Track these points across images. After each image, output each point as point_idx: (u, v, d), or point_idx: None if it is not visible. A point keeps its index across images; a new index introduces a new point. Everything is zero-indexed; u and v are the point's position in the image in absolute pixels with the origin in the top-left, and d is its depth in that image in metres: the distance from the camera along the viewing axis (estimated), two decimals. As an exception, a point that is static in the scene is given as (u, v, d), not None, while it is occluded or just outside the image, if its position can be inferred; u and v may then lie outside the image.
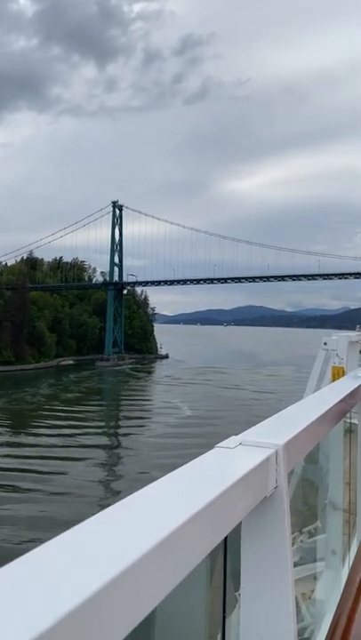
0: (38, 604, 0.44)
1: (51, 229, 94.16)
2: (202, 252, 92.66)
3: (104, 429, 37.96)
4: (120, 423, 41.46)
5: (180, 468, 0.91)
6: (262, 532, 1.11)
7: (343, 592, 1.36)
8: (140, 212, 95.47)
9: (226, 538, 1.04)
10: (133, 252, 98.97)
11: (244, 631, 1.12)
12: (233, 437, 1.14)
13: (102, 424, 40.02)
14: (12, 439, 34.27)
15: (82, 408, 45.39)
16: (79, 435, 35.01)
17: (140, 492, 0.78)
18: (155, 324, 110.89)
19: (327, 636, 1.13)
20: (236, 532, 1.08)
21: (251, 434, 1.18)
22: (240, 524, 1.07)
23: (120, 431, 37.89)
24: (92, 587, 0.47)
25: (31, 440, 33.50)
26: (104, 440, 34.57)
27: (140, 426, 39.98)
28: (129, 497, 0.74)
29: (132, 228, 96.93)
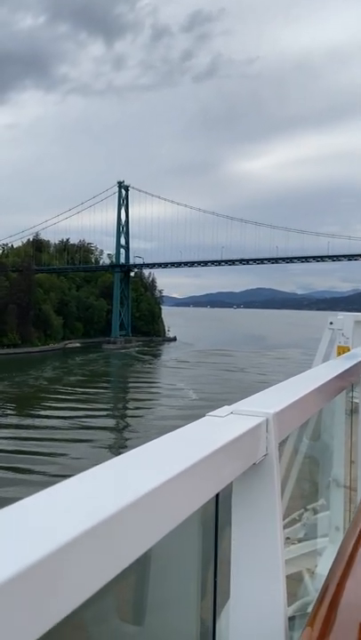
0: (9, 550, 0.46)
1: (58, 211, 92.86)
2: (210, 233, 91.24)
3: (106, 412, 37.57)
4: (123, 406, 40.98)
5: (168, 434, 0.93)
6: (253, 497, 1.13)
7: (335, 560, 1.34)
8: (146, 193, 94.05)
9: (217, 505, 1.08)
10: (142, 234, 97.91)
11: (235, 595, 1.15)
12: (225, 407, 1.17)
13: (104, 407, 39.63)
14: (10, 421, 34.04)
15: (84, 391, 45.08)
16: (81, 417, 34.71)
17: (127, 452, 0.80)
18: (164, 307, 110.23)
19: (316, 601, 1.14)
20: (228, 503, 1.13)
21: (242, 404, 1.21)
22: (231, 489, 1.12)
23: (122, 414, 37.54)
24: (70, 534, 0.50)
25: (29, 423, 33.31)
26: (105, 423, 34.23)
27: (143, 409, 39.57)
28: (112, 459, 0.77)
29: (140, 210, 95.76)
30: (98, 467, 0.72)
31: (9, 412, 36.72)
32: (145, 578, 1.35)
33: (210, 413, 1.13)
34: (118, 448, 27.28)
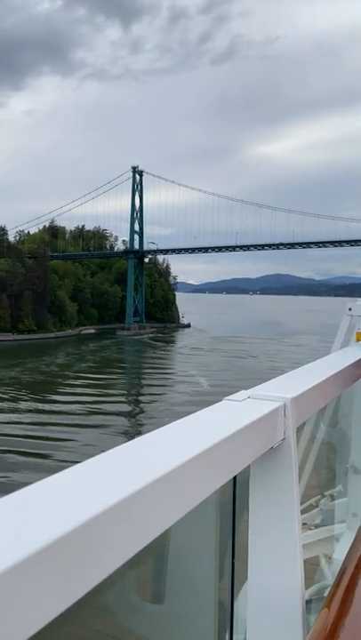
0: (34, 527, 0.48)
1: (75, 198, 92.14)
2: (225, 218, 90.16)
3: (115, 399, 37.34)
4: (132, 393, 40.76)
5: (186, 417, 0.94)
6: (270, 481, 1.14)
7: (352, 545, 1.36)
8: (160, 178, 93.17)
9: (235, 489, 1.12)
10: (157, 220, 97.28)
11: (252, 577, 1.16)
12: (242, 391, 1.17)
13: (114, 394, 39.46)
14: (19, 407, 34.26)
15: (95, 377, 45.12)
16: (89, 404, 34.76)
17: (146, 435, 0.82)
18: (179, 293, 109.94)
19: (334, 584, 1.14)
20: (246, 487, 1.14)
21: (260, 388, 1.22)
22: (248, 474, 1.13)
23: (131, 401, 37.25)
24: (88, 513, 0.51)
25: (39, 408, 33.56)
26: (113, 409, 34.02)
27: (153, 396, 39.40)
28: (132, 440, 0.78)
29: (155, 196, 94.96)
30: (118, 447, 0.73)
31: (19, 398, 36.91)
32: (164, 558, 1.37)
33: (227, 397, 1.13)
34: (125, 435, 27.25)
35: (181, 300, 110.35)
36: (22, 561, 0.42)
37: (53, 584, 0.46)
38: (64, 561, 0.47)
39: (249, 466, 1.07)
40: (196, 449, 0.75)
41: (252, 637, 1.16)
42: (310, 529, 2.89)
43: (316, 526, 2.90)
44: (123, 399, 37.73)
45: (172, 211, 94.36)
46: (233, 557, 1.23)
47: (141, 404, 36.51)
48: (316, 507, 2.95)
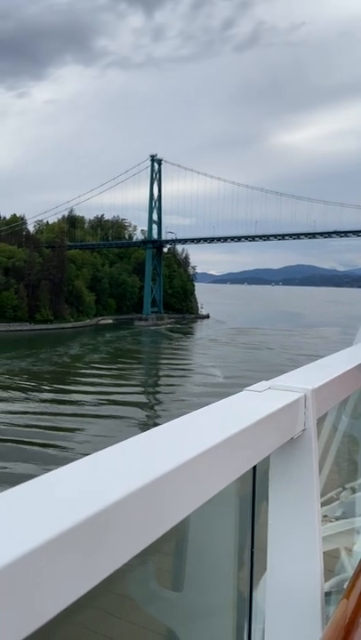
0: (58, 510, 0.50)
1: (95, 187, 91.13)
2: (246, 208, 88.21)
3: (123, 391, 36.26)
4: (142, 386, 39.58)
5: (207, 406, 0.96)
6: (290, 471, 1.15)
7: None
8: (179, 166, 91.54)
9: (254, 479, 1.13)
10: (177, 209, 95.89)
11: (271, 568, 1.17)
12: (263, 382, 1.18)
13: (123, 386, 38.38)
14: (24, 397, 33.74)
15: (107, 368, 44.35)
16: (97, 395, 34.04)
17: (168, 423, 0.83)
18: (200, 284, 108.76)
19: (353, 575, 1.17)
20: (265, 477, 1.16)
21: (281, 379, 1.22)
22: (268, 466, 1.15)
23: (140, 394, 36.06)
24: (113, 496, 0.53)
25: (45, 398, 33.04)
26: (121, 401, 33.05)
27: (163, 388, 38.47)
28: (153, 428, 0.79)
29: (175, 185, 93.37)
30: (140, 435, 0.75)
31: (26, 389, 36.36)
32: (184, 547, 1.39)
33: (248, 388, 1.14)
34: (134, 426, 26.44)
35: (202, 290, 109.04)
36: (47, 542, 0.44)
37: (76, 566, 0.48)
38: (87, 544, 0.49)
39: (269, 456, 1.08)
40: (216, 437, 0.76)
41: (271, 627, 1.17)
42: (331, 521, 2.82)
43: (337, 519, 2.80)
44: (133, 391, 36.72)
45: (192, 200, 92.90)
46: (252, 547, 1.24)
47: (152, 396, 35.56)
48: (337, 499, 2.87)
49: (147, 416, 29.87)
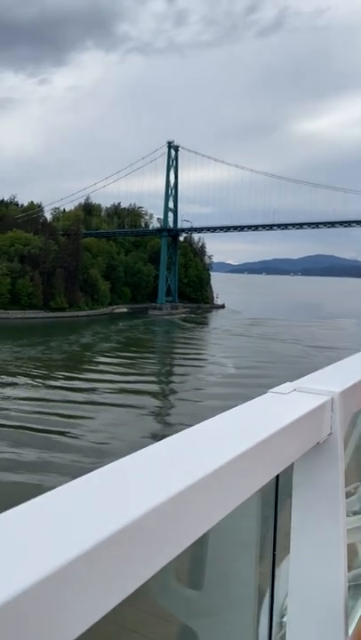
0: (84, 524, 0.49)
1: (116, 176, 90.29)
2: (263, 196, 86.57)
3: (128, 383, 35.35)
4: (151, 377, 38.62)
5: (231, 410, 0.93)
6: (315, 476, 1.12)
7: None
8: (196, 153, 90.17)
9: (278, 481, 1.08)
10: (195, 198, 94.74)
11: (294, 574, 1.16)
12: (287, 383, 1.15)
13: (129, 377, 37.42)
14: (27, 384, 33.50)
15: (116, 358, 43.83)
16: (98, 388, 33.17)
17: (190, 428, 0.81)
18: (217, 273, 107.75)
19: None
20: (289, 477, 1.13)
21: (306, 380, 1.18)
22: (292, 469, 1.12)
23: (145, 387, 34.92)
24: (138, 511, 0.51)
25: (48, 386, 32.76)
26: (122, 395, 32.07)
27: (172, 380, 37.73)
28: (178, 433, 0.77)
29: (193, 173, 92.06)
30: (160, 443, 0.72)
31: (34, 376, 36.06)
32: (204, 545, 1.38)
33: (272, 390, 1.11)
34: (139, 416, 26.02)
35: (219, 280, 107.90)
36: (75, 558, 0.43)
37: (104, 581, 0.47)
38: (115, 559, 0.48)
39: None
40: (242, 445, 0.74)
41: (293, 626, 1.16)
42: (348, 516, 2.45)
43: (355, 513, 2.67)
44: (143, 380, 36.14)
45: (210, 188, 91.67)
46: (274, 549, 1.21)
47: (161, 386, 34.86)
48: (355, 493, 2.72)
49: (155, 406, 29.34)
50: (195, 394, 31.71)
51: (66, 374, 36.48)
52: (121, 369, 39.40)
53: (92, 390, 32.08)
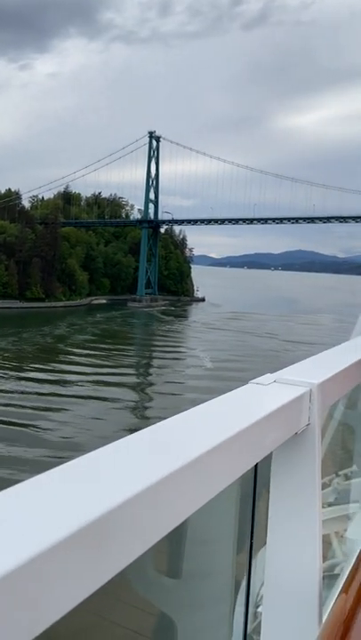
0: (63, 512, 0.49)
1: (97, 165, 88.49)
2: (244, 190, 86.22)
3: (98, 377, 34.04)
4: (122, 371, 37.20)
5: (212, 400, 0.94)
6: (293, 466, 1.14)
7: None
8: (177, 144, 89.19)
9: (256, 470, 1.12)
10: (177, 190, 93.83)
11: (270, 562, 1.17)
12: (268, 375, 1.17)
13: (99, 371, 35.99)
14: None
15: (88, 350, 42.66)
16: (70, 381, 32.33)
17: (171, 418, 0.81)
18: (199, 266, 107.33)
19: (351, 569, 1.21)
20: (268, 467, 1.15)
21: (286, 372, 1.21)
22: (271, 458, 1.14)
23: (116, 380, 33.56)
24: (117, 498, 0.51)
25: (13, 380, 31.79)
26: (91, 389, 30.84)
27: (145, 374, 36.80)
28: (158, 423, 0.77)
29: (174, 165, 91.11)
30: (141, 432, 0.72)
31: (3, 367, 34.92)
32: (182, 534, 1.38)
33: (253, 381, 1.13)
34: (105, 416, 25.00)
35: (201, 273, 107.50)
36: (53, 546, 0.43)
37: (82, 569, 0.47)
38: (92, 547, 0.48)
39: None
40: (223, 434, 0.75)
41: (268, 615, 1.18)
42: (323, 507, 2.70)
43: (330, 504, 2.81)
44: (114, 374, 34.90)
45: (191, 180, 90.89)
46: (252, 538, 1.24)
47: (132, 381, 33.56)
48: (329, 485, 2.87)
49: (128, 400, 28.62)
50: (169, 387, 31.33)
51: (36, 366, 35.57)
52: (94, 361, 38.52)
53: (64, 383, 31.36)
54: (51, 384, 30.95)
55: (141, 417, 25.61)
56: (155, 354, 45.44)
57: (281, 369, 1.23)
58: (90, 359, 39.00)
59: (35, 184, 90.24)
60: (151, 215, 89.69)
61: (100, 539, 0.49)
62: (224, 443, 0.74)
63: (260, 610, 1.28)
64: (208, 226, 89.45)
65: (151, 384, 33.25)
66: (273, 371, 1.21)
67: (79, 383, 31.47)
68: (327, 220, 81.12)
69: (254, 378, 1.13)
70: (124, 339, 52.47)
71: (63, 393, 29.01)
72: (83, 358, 39.11)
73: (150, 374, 36.76)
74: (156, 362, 41.43)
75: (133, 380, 34.63)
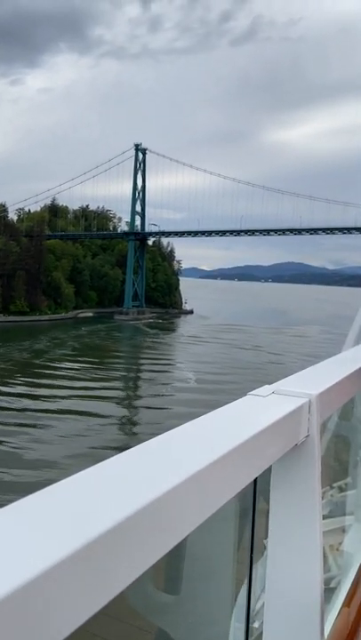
0: (66, 528, 0.48)
1: (83, 177, 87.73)
2: (232, 202, 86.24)
3: (70, 394, 32.13)
4: (96, 388, 34.87)
5: (211, 412, 0.93)
6: (292, 478, 1.13)
7: None
8: (164, 157, 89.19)
9: (255, 483, 1.10)
10: (165, 203, 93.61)
11: (271, 576, 1.16)
12: (266, 386, 1.16)
13: (73, 386, 34.14)
14: None
15: (65, 366, 40.89)
16: (42, 396, 31.11)
17: (169, 432, 0.80)
18: (190, 279, 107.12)
19: (353, 583, 1.21)
20: (266, 479, 1.13)
21: (284, 383, 1.20)
22: (270, 471, 1.13)
23: (89, 398, 31.54)
24: (116, 517, 0.50)
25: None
26: (61, 405, 29.11)
27: (120, 391, 34.48)
28: (157, 437, 0.76)
29: (170, 179, 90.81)
30: (139, 447, 0.71)
31: None
32: (181, 551, 1.36)
33: (251, 392, 1.11)
34: (62, 438, 23.13)
35: (191, 285, 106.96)
36: (57, 564, 0.42)
37: (83, 589, 0.46)
38: (94, 566, 0.47)
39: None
40: (222, 448, 0.74)
41: (269, 630, 1.15)
42: None
43: (325, 517, 2.75)
44: (85, 390, 33.20)
45: (182, 193, 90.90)
46: (252, 552, 1.22)
47: (104, 397, 31.58)
48: (324, 498, 2.79)
49: (99, 415, 27.13)
50: (148, 401, 30.25)
51: (9, 381, 34.21)
52: (70, 376, 37.14)
53: (35, 397, 30.21)
54: (23, 398, 29.79)
55: (117, 433, 24.58)
56: (134, 367, 44.19)
57: (265, 382, 1.21)
58: (65, 373, 37.69)
59: (23, 198, 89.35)
60: (138, 227, 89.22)
61: (102, 557, 0.48)
62: (224, 457, 0.73)
63: (256, 625, 1.25)
64: (198, 238, 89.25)
65: (128, 398, 32.06)
66: (256, 384, 1.19)
67: (51, 399, 30.21)
68: (314, 231, 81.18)
69: (236, 392, 1.11)
70: (105, 353, 50.77)
71: (33, 408, 27.93)
72: (57, 372, 37.79)
73: (129, 388, 35.50)
74: (135, 376, 40.16)
75: (109, 394, 33.20)
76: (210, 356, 48.36)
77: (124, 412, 29.09)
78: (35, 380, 34.73)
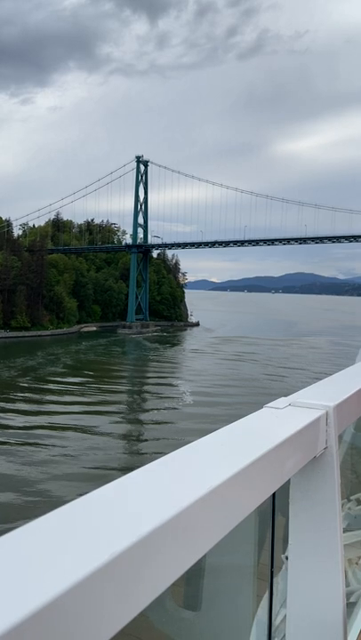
0: (89, 545, 0.48)
1: (84, 190, 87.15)
2: (238, 213, 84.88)
3: (52, 416, 29.75)
4: (83, 408, 32.31)
5: (228, 426, 0.93)
6: (311, 491, 1.13)
7: None
8: (166, 169, 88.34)
9: (274, 497, 1.09)
10: (180, 217, 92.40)
11: (292, 591, 1.15)
12: (283, 398, 1.16)
13: (56, 410, 31.63)
14: None
15: (52, 386, 38.60)
16: (17, 419, 28.89)
17: (187, 446, 0.80)
18: (199, 291, 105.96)
19: None
20: (284, 492, 1.13)
21: (301, 395, 1.20)
22: (288, 484, 1.12)
23: (70, 421, 28.76)
24: (139, 533, 0.51)
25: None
26: (46, 425, 27.39)
27: (107, 413, 31.34)
28: (176, 451, 0.76)
29: (178, 193, 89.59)
30: (159, 461, 0.71)
31: None
32: (201, 567, 1.37)
33: (268, 405, 1.11)
34: (39, 465, 21.32)
35: (200, 297, 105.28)
36: (81, 581, 0.42)
37: (110, 604, 0.46)
38: (119, 581, 0.47)
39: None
40: (242, 462, 0.74)
41: None
42: None
43: (343, 530, 2.39)
44: (63, 417, 29.84)
45: (185, 205, 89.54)
46: (272, 567, 1.22)
47: (84, 424, 28.17)
48: (342, 511, 2.53)
49: (72, 451, 23.86)
50: (137, 432, 27.87)
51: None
52: (48, 396, 34.88)
53: (11, 419, 28.47)
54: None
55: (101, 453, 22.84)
56: (130, 387, 41.67)
57: (267, 397, 1.18)
58: (44, 394, 35.50)
59: (33, 214, 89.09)
60: (141, 240, 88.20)
61: (125, 574, 0.48)
62: (243, 470, 0.72)
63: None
64: (206, 250, 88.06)
65: (112, 427, 28.58)
66: (257, 399, 1.20)
67: (29, 422, 28.30)
68: (320, 240, 79.33)
69: (237, 410, 1.20)
70: (98, 370, 47.78)
71: (9, 425, 26.72)
72: (35, 395, 35.35)
73: (116, 412, 32.28)
74: (128, 397, 37.39)
75: (93, 418, 30.13)
76: (213, 370, 46.37)
77: (105, 439, 26.32)
78: (4, 405, 32.17)
